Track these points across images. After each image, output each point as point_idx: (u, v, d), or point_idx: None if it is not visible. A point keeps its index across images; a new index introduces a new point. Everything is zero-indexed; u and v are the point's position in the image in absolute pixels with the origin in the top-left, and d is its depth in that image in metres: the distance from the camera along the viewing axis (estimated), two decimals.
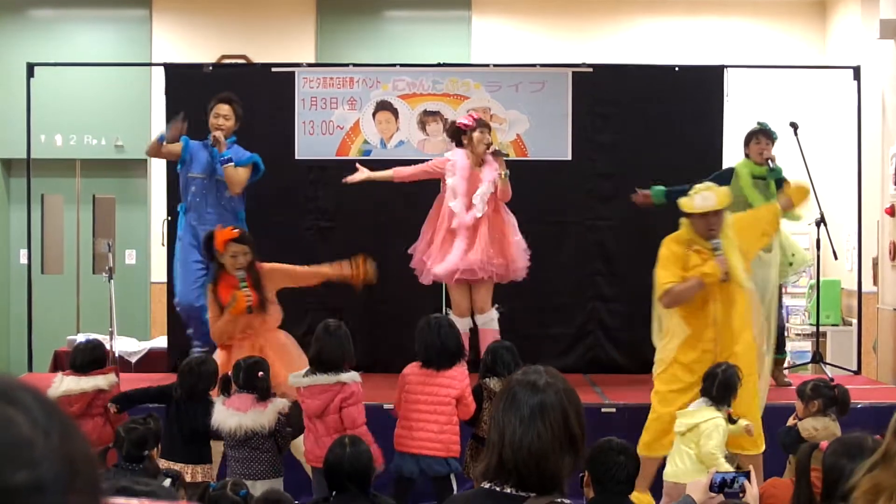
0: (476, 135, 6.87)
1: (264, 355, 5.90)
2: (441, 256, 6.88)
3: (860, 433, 3.00)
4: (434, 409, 5.43)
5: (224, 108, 7.17)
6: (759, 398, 5.88)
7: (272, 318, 6.28)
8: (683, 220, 5.81)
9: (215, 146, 7.08)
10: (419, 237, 7.10)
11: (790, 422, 5.39)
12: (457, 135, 7.01)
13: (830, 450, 2.95)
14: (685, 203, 5.74)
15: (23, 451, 0.95)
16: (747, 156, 7.18)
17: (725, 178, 6.88)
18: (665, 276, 5.72)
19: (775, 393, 7.00)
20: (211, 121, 7.15)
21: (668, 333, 5.78)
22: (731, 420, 5.25)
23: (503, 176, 6.82)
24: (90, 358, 5.78)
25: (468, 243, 6.81)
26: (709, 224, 5.67)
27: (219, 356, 6.12)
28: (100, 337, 8.23)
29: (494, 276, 6.93)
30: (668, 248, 5.79)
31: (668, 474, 5.25)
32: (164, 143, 7.19)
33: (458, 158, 6.94)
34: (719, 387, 5.24)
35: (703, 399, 5.28)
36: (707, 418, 5.17)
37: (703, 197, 5.71)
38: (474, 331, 7.01)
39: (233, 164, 7.04)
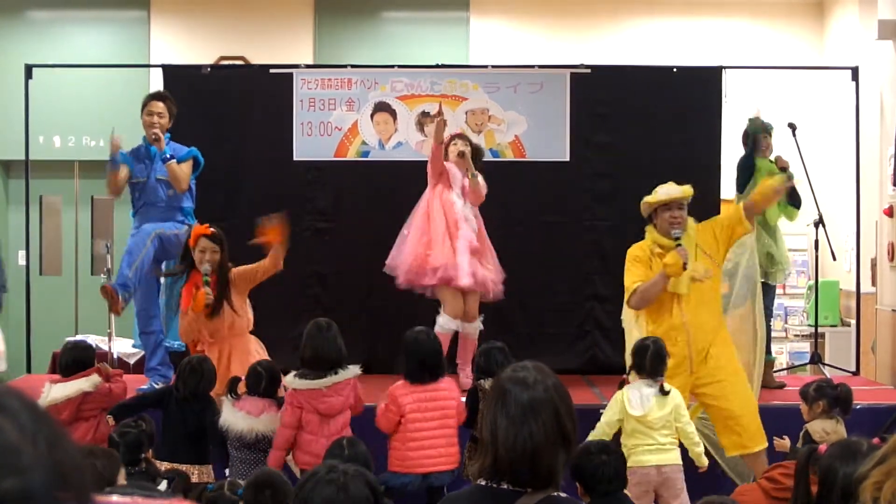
0: (451, 147, 6.95)
1: (230, 362, 5.94)
2: (452, 261, 6.74)
3: (858, 437, 3.01)
4: (442, 423, 5.42)
5: (158, 106, 6.95)
6: (753, 393, 5.94)
7: (240, 323, 6.11)
8: (648, 228, 5.93)
9: (154, 145, 6.88)
10: (403, 239, 7.00)
11: None
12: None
13: (828, 453, 2.97)
14: (648, 197, 5.89)
15: (10, 459, 0.94)
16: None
17: (749, 166, 7.38)
18: (630, 277, 5.84)
19: (768, 395, 7.00)
20: (145, 119, 6.95)
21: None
22: (663, 391, 5.29)
23: (471, 176, 6.74)
24: (73, 358, 5.73)
25: (472, 254, 6.77)
26: (672, 216, 5.79)
27: None
28: (98, 338, 8.24)
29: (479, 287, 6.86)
30: (632, 253, 5.93)
31: (644, 461, 5.22)
32: (117, 165, 6.90)
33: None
34: (652, 358, 5.29)
35: (644, 381, 5.30)
36: (672, 401, 5.25)
37: (666, 187, 5.87)
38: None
39: (175, 160, 6.87)
